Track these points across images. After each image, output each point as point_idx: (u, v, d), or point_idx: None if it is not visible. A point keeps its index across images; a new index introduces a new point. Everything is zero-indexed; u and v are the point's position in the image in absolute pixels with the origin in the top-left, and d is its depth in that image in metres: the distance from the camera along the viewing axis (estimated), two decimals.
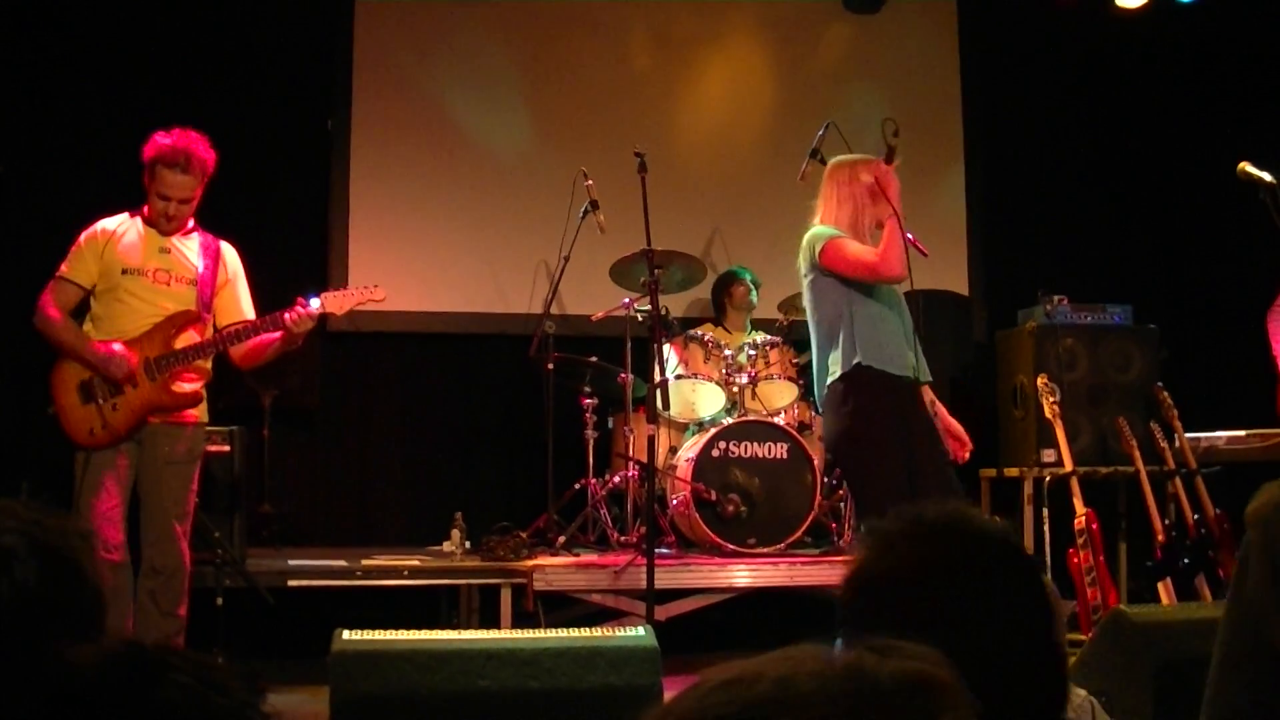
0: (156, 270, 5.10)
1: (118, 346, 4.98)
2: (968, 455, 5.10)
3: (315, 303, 5.14)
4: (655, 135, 7.70)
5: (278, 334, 5.13)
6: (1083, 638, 5.53)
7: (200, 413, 5.20)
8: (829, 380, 4.90)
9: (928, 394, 5.06)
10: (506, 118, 8.33)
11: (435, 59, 8.25)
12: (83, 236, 5.14)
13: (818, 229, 4.97)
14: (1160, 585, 6.51)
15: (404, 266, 7.98)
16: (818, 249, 4.88)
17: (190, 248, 5.21)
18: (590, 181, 7.01)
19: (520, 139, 8.34)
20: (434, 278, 8.10)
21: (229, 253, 5.32)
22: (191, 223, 5.23)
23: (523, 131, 8.36)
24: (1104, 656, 3.30)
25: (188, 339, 5.11)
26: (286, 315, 5.08)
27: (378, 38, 8.15)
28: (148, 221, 5.15)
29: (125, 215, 5.20)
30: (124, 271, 5.06)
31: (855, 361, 4.80)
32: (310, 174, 8.07)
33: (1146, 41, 8.66)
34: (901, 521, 1.66)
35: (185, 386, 5.11)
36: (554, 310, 7.40)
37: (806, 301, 5.06)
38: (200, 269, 5.17)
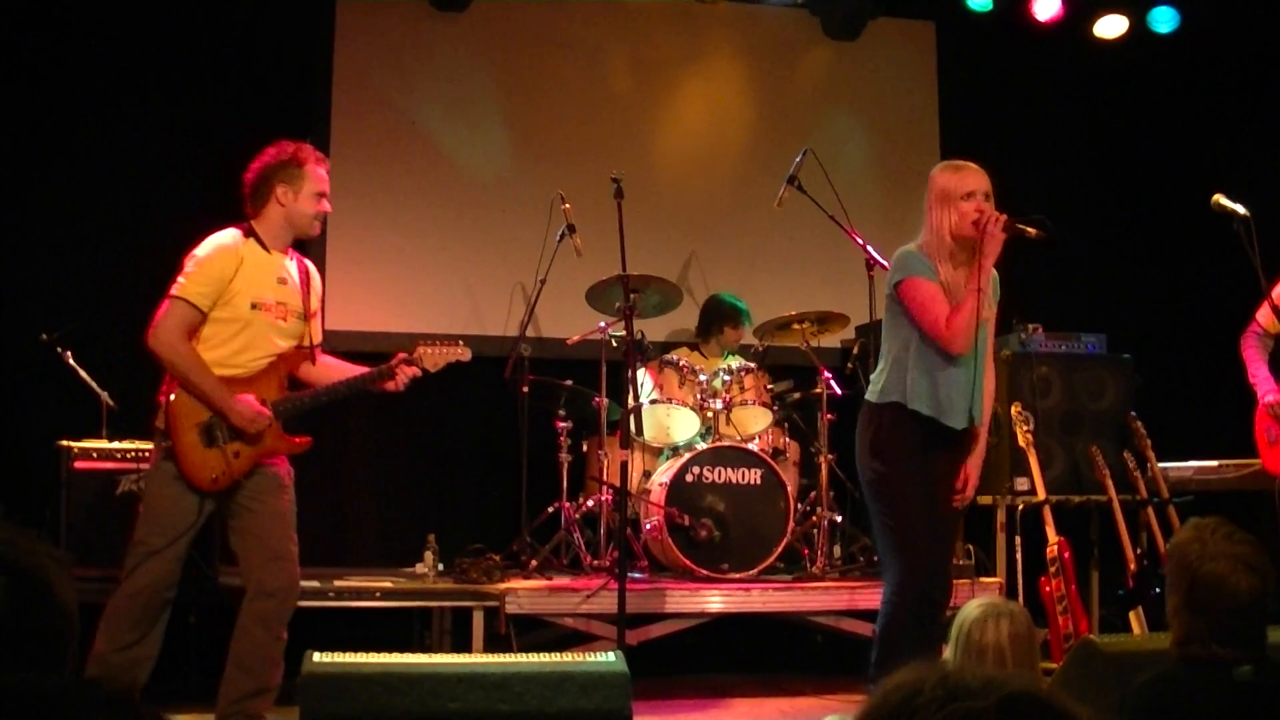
0: (277, 303, 4.84)
1: (250, 398, 4.73)
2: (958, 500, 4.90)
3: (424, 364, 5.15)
4: (633, 158, 7.72)
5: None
6: (1054, 666, 5.55)
7: None
8: (866, 396, 4.89)
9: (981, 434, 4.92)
10: (485, 139, 8.32)
11: (414, 80, 8.24)
12: (212, 254, 4.74)
13: (903, 252, 4.80)
14: (1132, 614, 6.53)
15: (380, 287, 7.97)
16: (898, 279, 4.75)
17: (294, 274, 4.96)
18: (567, 205, 6.99)
19: (498, 160, 8.34)
20: (410, 298, 8.08)
21: (316, 276, 5.11)
22: None
23: (501, 153, 8.36)
24: (1074, 685, 3.31)
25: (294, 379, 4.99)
26: (397, 378, 5.07)
27: (357, 57, 8.13)
28: (262, 242, 4.85)
29: (237, 232, 4.83)
30: (253, 305, 4.77)
31: (892, 400, 4.73)
32: None
33: (1124, 70, 8.73)
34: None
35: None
36: (530, 333, 7.40)
37: (885, 311, 4.90)
38: (303, 299, 4.96)
